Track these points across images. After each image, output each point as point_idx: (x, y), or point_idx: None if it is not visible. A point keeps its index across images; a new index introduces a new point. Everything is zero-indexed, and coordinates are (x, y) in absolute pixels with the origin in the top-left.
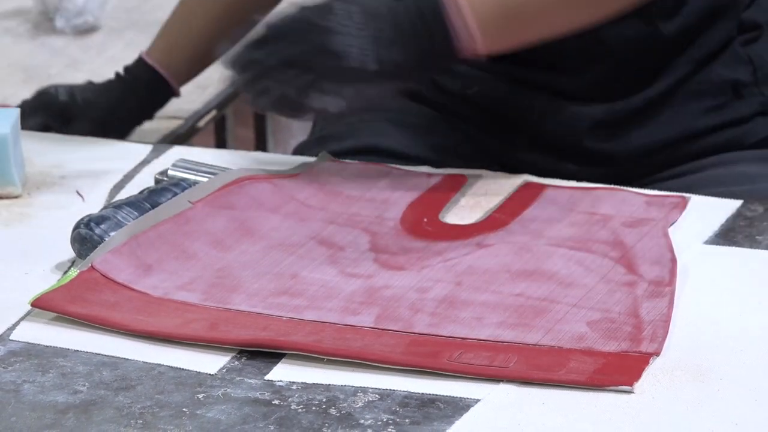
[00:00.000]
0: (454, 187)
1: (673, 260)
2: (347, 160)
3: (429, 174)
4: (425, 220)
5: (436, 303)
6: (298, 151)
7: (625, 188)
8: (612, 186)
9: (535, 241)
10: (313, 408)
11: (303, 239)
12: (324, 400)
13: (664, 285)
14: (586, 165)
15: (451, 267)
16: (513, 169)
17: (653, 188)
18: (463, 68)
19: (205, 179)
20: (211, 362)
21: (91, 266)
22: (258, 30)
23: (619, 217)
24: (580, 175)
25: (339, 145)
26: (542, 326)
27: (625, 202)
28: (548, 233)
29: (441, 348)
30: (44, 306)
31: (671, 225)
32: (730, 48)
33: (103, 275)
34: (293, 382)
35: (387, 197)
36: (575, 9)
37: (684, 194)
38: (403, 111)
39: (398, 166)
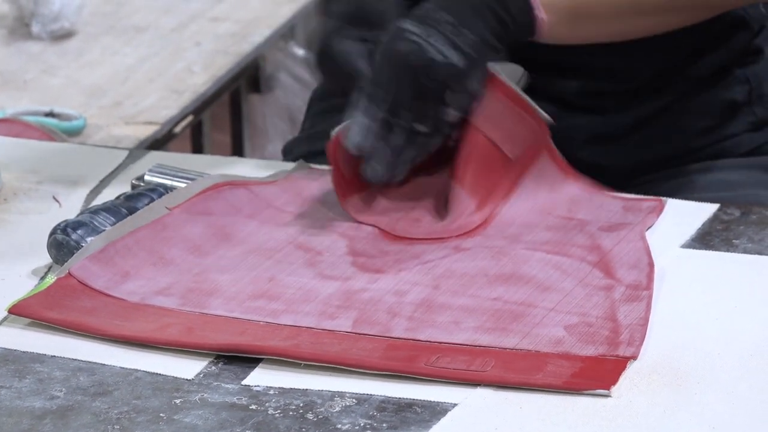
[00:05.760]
0: None
1: (651, 264)
2: (325, 167)
3: None
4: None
5: (414, 307)
6: (288, 148)
7: (601, 192)
8: (588, 189)
9: (512, 245)
10: (291, 413)
11: (280, 244)
12: (301, 404)
13: (642, 289)
14: None
15: (429, 270)
16: None
17: (634, 191)
18: None
19: (182, 184)
20: (188, 367)
21: (69, 273)
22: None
23: (596, 221)
24: None
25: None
26: (520, 330)
27: (602, 206)
28: (525, 237)
29: (418, 352)
30: (21, 312)
31: (648, 228)
32: (729, 69)
33: (80, 282)
34: (270, 387)
35: None
36: (632, 23)
37: (661, 197)
38: None
39: None
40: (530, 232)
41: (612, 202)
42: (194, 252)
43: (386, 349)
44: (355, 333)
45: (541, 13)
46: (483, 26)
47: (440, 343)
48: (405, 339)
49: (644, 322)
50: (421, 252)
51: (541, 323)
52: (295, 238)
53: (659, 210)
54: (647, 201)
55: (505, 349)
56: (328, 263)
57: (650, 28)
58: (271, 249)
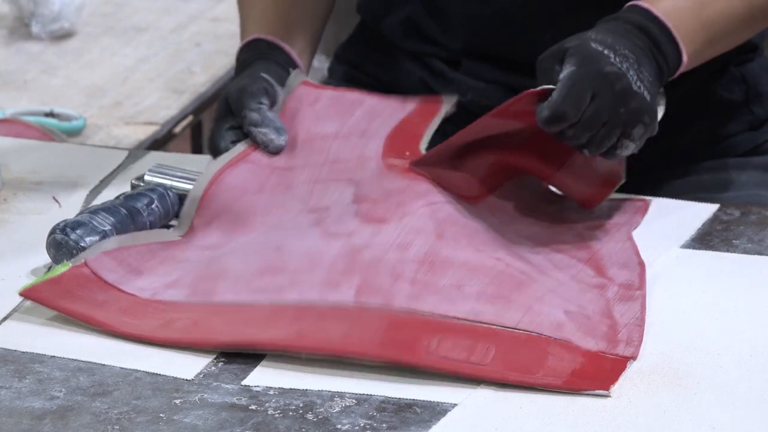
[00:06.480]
0: (432, 112)
1: (641, 264)
2: (319, 85)
3: (404, 99)
4: (407, 153)
5: (417, 266)
6: None
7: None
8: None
9: (504, 229)
10: (290, 413)
11: (293, 213)
12: (301, 405)
13: (635, 288)
14: None
15: (433, 213)
16: None
17: (634, 191)
18: (458, 75)
19: (182, 184)
20: (188, 367)
21: (84, 262)
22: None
23: (583, 220)
24: None
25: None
26: (522, 303)
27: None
28: (514, 226)
29: (420, 333)
30: (33, 297)
31: (635, 228)
32: (725, 68)
33: (94, 273)
34: (270, 387)
35: (365, 128)
36: (749, 26)
37: (645, 197)
38: None
39: (371, 93)
40: (519, 222)
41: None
42: (208, 250)
43: (387, 330)
44: (358, 307)
45: (685, 56)
46: (651, 68)
47: (442, 316)
48: (407, 311)
49: (641, 323)
50: (425, 192)
51: (543, 299)
52: (306, 202)
53: (644, 209)
54: (632, 201)
55: (507, 328)
56: (334, 217)
57: (753, 33)
58: (283, 223)
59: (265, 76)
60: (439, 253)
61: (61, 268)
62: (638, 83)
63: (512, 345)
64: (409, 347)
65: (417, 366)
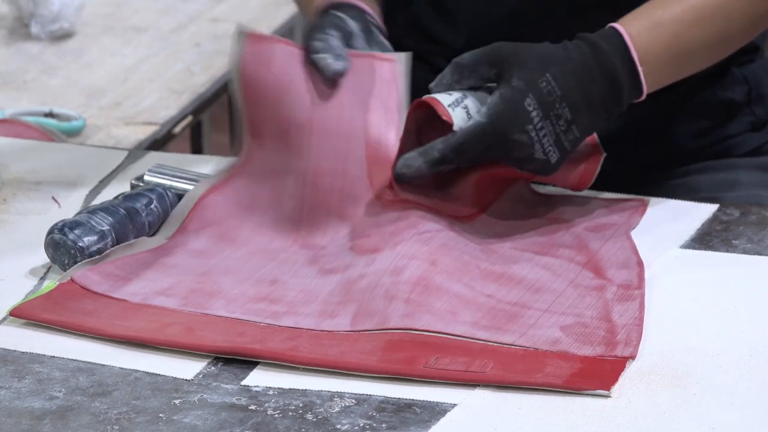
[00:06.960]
0: (391, 79)
1: (640, 263)
2: (263, 37)
3: (356, 72)
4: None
5: (411, 287)
6: None
7: (584, 193)
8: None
9: (501, 244)
10: (290, 413)
11: (286, 243)
12: (300, 405)
13: (634, 288)
14: None
15: (426, 241)
16: None
17: (634, 192)
18: None
19: (181, 184)
20: (187, 368)
21: (71, 279)
22: (441, 147)
23: (580, 221)
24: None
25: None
26: (516, 330)
27: (586, 206)
28: (512, 237)
29: (417, 352)
30: (23, 315)
31: (633, 228)
32: (727, 69)
33: (82, 287)
34: (269, 388)
35: (339, 126)
36: (721, 51)
37: (644, 197)
38: None
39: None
40: (516, 232)
41: (595, 203)
42: (198, 256)
43: (384, 350)
44: (355, 331)
45: (644, 96)
46: (591, 124)
47: (438, 333)
48: (403, 330)
49: (639, 322)
50: (416, 221)
51: (537, 324)
52: (297, 226)
53: (642, 210)
54: (630, 201)
55: (504, 344)
56: (330, 255)
57: (730, 52)
58: (276, 250)
59: (336, 12)
60: (432, 279)
61: (49, 287)
62: (549, 149)
63: (510, 360)
64: (406, 363)
65: (415, 377)
